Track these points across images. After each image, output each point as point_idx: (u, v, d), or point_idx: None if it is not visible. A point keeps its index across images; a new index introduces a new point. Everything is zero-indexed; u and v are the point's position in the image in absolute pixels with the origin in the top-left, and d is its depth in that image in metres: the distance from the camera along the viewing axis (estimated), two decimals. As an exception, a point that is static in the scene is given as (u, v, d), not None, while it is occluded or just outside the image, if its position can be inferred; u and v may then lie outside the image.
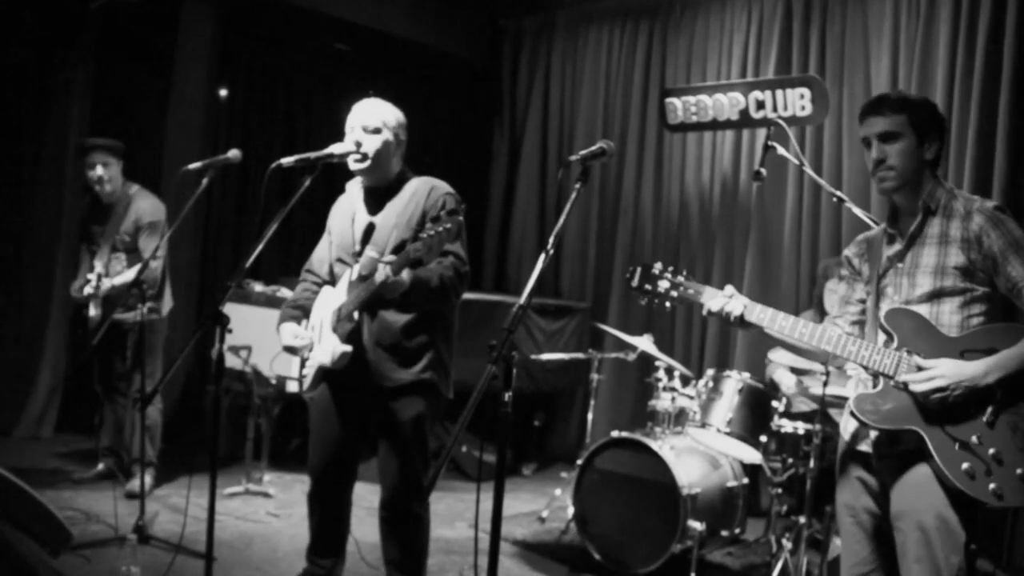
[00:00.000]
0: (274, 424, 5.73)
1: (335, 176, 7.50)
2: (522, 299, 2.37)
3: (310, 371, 3.50)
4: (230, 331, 2.95)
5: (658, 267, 2.90)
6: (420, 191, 3.48)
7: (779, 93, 5.92)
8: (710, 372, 4.84)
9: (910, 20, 5.63)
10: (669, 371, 5.01)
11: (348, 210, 3.62)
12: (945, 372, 2.55)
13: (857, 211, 3.78)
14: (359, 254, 3.45)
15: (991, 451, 2.52)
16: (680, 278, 2.88)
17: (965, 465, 2.52)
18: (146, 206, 5.19)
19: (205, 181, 4.08)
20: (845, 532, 2.82)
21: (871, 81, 5.80)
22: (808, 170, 4.08)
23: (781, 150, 4.05)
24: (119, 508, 4.51)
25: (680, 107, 6.45)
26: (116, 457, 5.36)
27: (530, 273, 2.40)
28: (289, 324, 3.54)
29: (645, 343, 5.06)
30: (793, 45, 6.18)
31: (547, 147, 7.73)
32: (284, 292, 5.80)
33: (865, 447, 2.74)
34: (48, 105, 6.33)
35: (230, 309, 3.00)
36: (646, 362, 5.35)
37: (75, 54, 6.32)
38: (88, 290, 4.97)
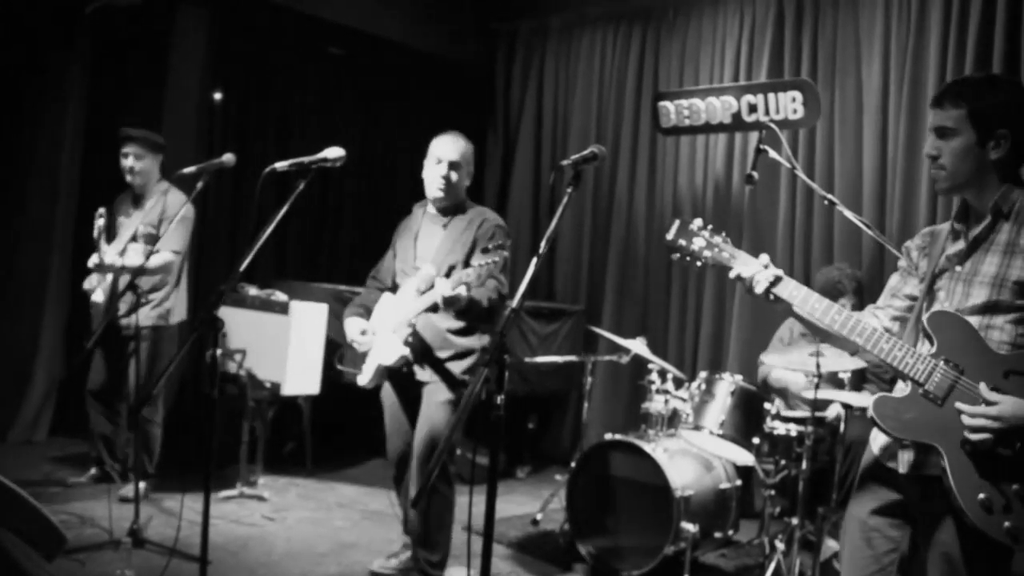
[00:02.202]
0: (268, 428, 5.74)
1: (329, 180, 7.56)
2: (514, 302, 2.39)
3: (370, 367, 4.06)
4: (224, 335, 2.97)
5: (697, 224, 2.68)
6: (475, 220, 4.08)
7: (771, 97, 5.96)
8: (703, 374, 4.86)
9: (901, 24, 5.66)
10: (662, 374, 5.02)
11: (412, 229, 4.21)
12: (1003, 413, 2.28)
13: (848, 214, 3.80)
14: (418, 268, 4.01)
15: (1015, 486, 2.28)
16: (717, 239, 2.65)
17: (982, 495, 2.28)
18: (176, 200, 5.12)
19: (200, 185, 4.10)
20: (851, 544, 2.62)
21: (863, 85, 5.83)
22: (800, 173, 4.10)
23: (773, 154, 4.07)
24: (114, 512, 4.51)
25: (673, 111, 6.48)
26: (108, 468, 5.34)
27: (523, 276, 2.42)
28: (356, 319, 4.12)
29: (638, 346, 5.08)
30: (785, 49, 6.21)
31: (541, 150, 7.75)
32: (278, 296, 5.80)
33: (893, 464, 2.52)
34: (43, 109, 6.33)
35: (224, 313, 3.02)
36: (639, 365, 5.36)
37: (70, 58, 6.32)
38: (96, 231, 4.82)
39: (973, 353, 2.38)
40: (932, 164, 2.50)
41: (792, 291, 2.54)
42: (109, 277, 5.04)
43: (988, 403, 2.32)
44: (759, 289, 2.55)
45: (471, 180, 4.20)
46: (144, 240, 5.08)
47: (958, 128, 2.42)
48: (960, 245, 2.52)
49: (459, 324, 3.99)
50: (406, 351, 3.95)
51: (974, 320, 2.42)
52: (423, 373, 4.01)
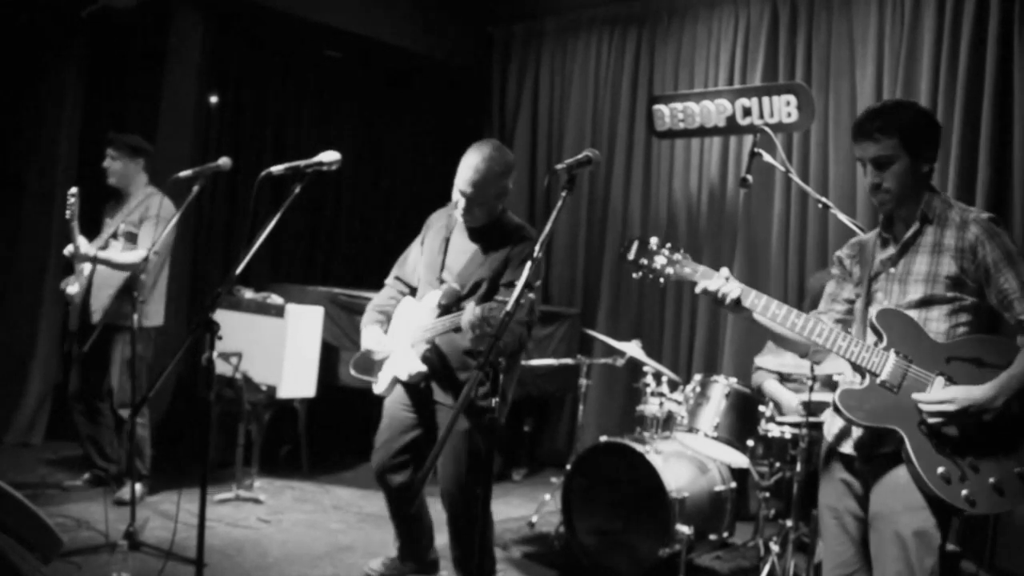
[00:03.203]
0: (264, 431, 5.74)
1: (325, 184, 7.57)
2: (508, 306, 2.40)
3: (386, 377, 3.86)
4: (220, 338, 2.99)
5: (654, 242, 2.83)
6: (513, 236, 3.75)
7: (765, 100, 5.97)
8: (698, 377, 4.87)
9: (894, 28, 5.68)
10: (657, 376, 5.04)
11: (444, 229, 3.91)
12: (956, 396, 2.57)
13: (843, 217, 3.82)
14: (442, 280, 3.80)
15: (968, 458, 2.57)
16: (677, 255, 2.82)
17: (941, 469, 2.56)
18: (156, 201, 5.13)
19: (196, 189, 4.12)
20: (828, 533, 2.84)
21: (856, 88, 5.85)
22: (794, 177, 4.12)
23: (767, 157, 4.09)
24: (110, 515, 4.50)
25: (668, 114, 6.49)
26: (100, 470, 5.34)
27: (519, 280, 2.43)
28: (374, 327, 3.90)
29: (633, 348, 5.09)
30: (779, 52, 6.23)
31: (536, 154, 7.76)
32: (274, 299, 5.81)
33: (848, 448, 2.76)
34: (39, 112, 6.34)
35: (220, 316, 3.03)
36: (634, 367, 5.38)
37: (67, 61, 6.33)
38: (68, 211, 4.78)
39: (918, 344, 2.67)
40: (876, 191, 2.73)
41: (753, 300, 2.75)
42: (86, 270, 5.04)
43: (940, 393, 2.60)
44: (729, 300, 2.75)
45: (507, 194, 3.81)
46: (124, 239, 5.10)
47: (895, 155, 2.68)
48: (891, 250, 2.79)
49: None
50: (423, 367, 3.73)
51: (912, 314, 2.70)
52: (441, 393, 3.79)
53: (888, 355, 2.66)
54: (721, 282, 2.75)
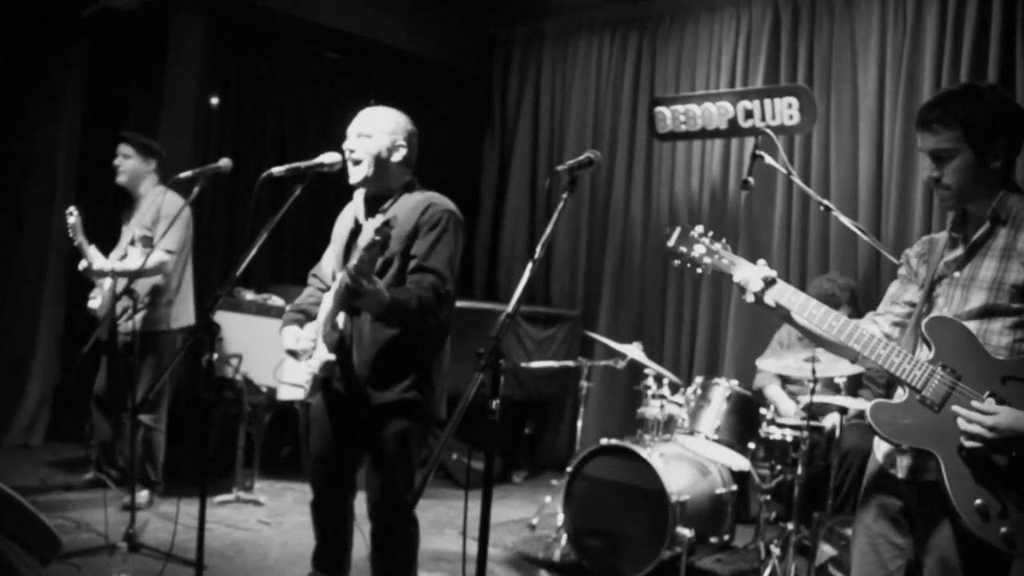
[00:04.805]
0: (264, 432, 5.73)
1: (326, 185, 7.55)
2: (509, 307, 2.39)
3: (308, 379, 3.45)
4: (221, 340, 2.97)
5: (698, 231, 2.72)
6: (419, 205, 3.34)
7: (767, 102, 5.96)
8: (699, 379, 4.86)
9: (896, 30, 5.68)
10: (658, 379, 5.03)
11: (350, 218, 3.58)
12: (1000, 423, 2.29)
13: (844, 220, 3.81)
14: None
15: (1012, 492, 2.30)
16: (717, 245, 2.69)
17: (978, 501, 2.30)
18: (170, 202, 5.06)
19: (196, 190, 4.10)
20: (859, 551, 2.64)
21: (858, 90, 5.85)
22: (796, 179, 4.10)
23: (769, 159, 4.07)
24: (109, 516, 4.49)
25: (669, 116, 6.48)
26: (103, 473, 5.32)
27: (519, 281, 2.42)
28: (291, 327, 3.51)
29: (634, 351, 5.09)
30: (781, 55, 6.23)
31: (537, 155, 7.76)
32: (275, 300, 5.81)
33: (895, 469, 2.53)
34: (40, 113, 6.33)
35: (221, 318, 3.02)
36: (635, 370, 5.37)
37: (67, 62, 6.33)
38: (71, 231, 4.77)
39: (971, 359, 2.39)
40: (936, 186, 2.48)
41: (790, 297, 2.56)
42: (107, 283, 5.03)
43: (985, 412, 2.32)
44: (752, 288, 2.58)
45: (411, 161, 3.47)
46: (141, 243, 5.07)
47: (956, 148, 2.41)
48: (958, 251, 2.52)
49: (393, 335, 3.30)
50: (331, 357, 3.31)
51: (972, 325, 2.42)
52: (357, 391, 3.36)
53: (934, 369, 2.39)
54: (752, 272, 2.61)
